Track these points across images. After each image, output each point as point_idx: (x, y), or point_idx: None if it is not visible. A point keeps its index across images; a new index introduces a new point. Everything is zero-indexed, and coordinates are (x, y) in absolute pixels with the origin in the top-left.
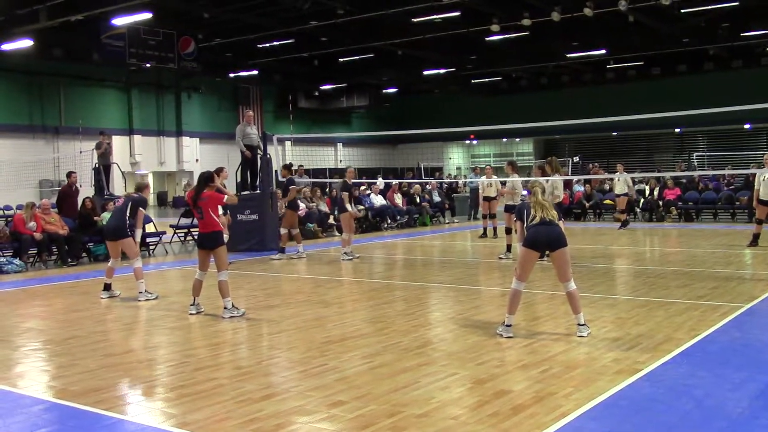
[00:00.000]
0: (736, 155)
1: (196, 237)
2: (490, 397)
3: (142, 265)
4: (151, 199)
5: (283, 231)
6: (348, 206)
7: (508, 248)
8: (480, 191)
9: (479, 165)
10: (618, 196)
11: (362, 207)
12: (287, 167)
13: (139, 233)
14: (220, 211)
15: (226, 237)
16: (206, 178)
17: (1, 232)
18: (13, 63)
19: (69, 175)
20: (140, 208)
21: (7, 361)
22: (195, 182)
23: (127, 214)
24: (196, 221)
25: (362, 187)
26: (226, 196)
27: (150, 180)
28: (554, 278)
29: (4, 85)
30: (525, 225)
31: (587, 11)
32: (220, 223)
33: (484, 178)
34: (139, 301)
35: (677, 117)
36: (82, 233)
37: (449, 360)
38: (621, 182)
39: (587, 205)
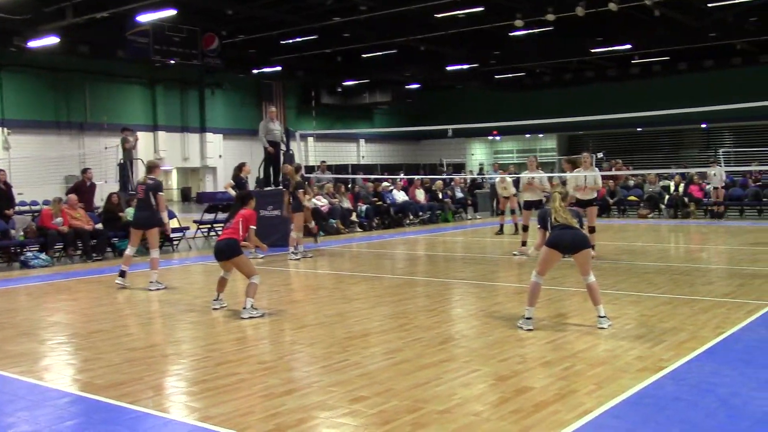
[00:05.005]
0: (764, 151)
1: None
2: (512, 394)
3: (159, 258)
4: (175, 195)
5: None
6: (306, 203)
7: (523, 244)
8: (498, 190)
9: (498, 161)
10: (715, 188)
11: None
12: (240, 167)
13: (165, 216)
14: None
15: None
16: (245, 197)
17: (28, 228)
18: (39, 60)
19: (84, 171)
20: (159, 193)
21: (33, 354)
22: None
23: (153, 203)
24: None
25: (384, 183)
26: (253, 228)
27: (174, 176)
28: (578, 275)
29: (31, 82)
30: (547, 230)
31: (612, 6)
32: (242, 236)
33: (500, 176)
34: (150, 290)
35: (703, 112)
36: (107, 228)
37: (471, 356)
38: (717, 177)
39: (611, 201)
